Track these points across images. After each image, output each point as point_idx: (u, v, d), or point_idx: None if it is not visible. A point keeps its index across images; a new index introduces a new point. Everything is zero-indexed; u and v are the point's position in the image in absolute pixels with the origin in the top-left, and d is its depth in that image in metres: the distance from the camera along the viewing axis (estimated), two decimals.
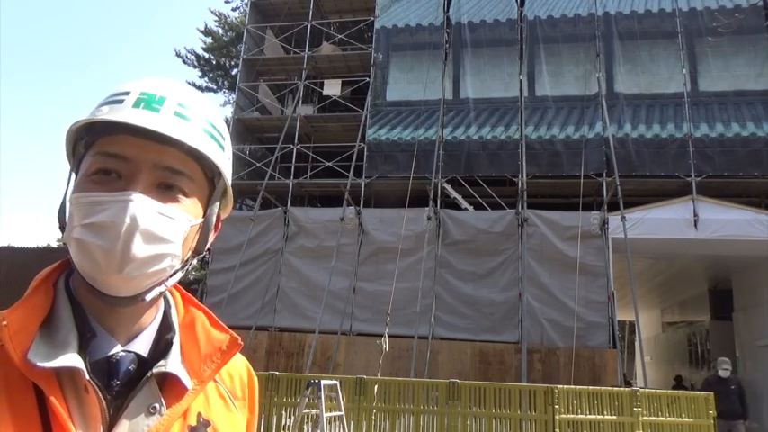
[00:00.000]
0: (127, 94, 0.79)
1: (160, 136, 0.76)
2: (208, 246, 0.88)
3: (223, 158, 0.84)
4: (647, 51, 13.44)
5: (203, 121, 0.82)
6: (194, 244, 0.84)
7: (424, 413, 7.92)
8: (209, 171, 0.84)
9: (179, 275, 0.82)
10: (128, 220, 0.72)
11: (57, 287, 0.80)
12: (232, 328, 0.89)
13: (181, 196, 0.79)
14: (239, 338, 0.88)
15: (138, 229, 0.73)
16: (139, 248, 0.73)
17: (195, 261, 0.86)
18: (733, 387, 9.19)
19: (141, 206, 0.73)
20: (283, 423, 8.13)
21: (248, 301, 13.30)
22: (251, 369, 0.97)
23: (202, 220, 0.84)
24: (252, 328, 12.47)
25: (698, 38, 13.30)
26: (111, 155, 0.77)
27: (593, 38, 13.65)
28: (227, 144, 0.87)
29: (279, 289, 13.27)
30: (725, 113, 12.68)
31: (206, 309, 0.91)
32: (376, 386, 8.14)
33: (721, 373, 9.27)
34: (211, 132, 0.83)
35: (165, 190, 0.78)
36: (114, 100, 0.79)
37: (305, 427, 7.97)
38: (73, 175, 0.82)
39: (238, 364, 0.95)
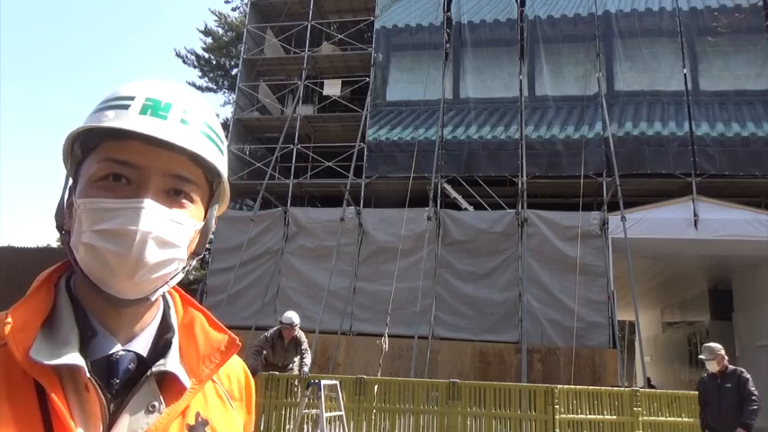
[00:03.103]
0: (132, 98, 0.80)
1: (170, 144, 0.77)
2: (205, 246, 0.89)
3: (223, 162, 0.86)
4: (648, 49, 13.44)
5: (204, 126, 0.84)
6: (195, 246, 0.85)
7: (424, 413, 7.92)
8: (211, 175, 0.85)
9: (180, 276, 0.84)
10: (142, 227, 0.74)
11: (58, 287, 0.81)
12: (232, 328, 0.89)
13: (186, 201, 0.81)
14: (237, 339, 0.89)
15: (150, 235, 0.74)
16: (152, 254, 0.75)
17: (194, 262, 0.88)
18: (729, 386, 6.26)
19: (153, 213, 0.75)
20: (283, 423, 8.13)
21: (248, 301, 13.30)
22: (248, 371, 0.99)
23: (204, 223, 0.86)
24: (252, 328, 12.46)
25: (698, 37, 13.31)
26: (120, 162, 0.78)
27: (593, 38, 13.66)
28: (224, 146, 0.89)
29: (279, 289, 13.27)
30: (725, 113, 12.68)
31: (205, 310, 0.92)
32: (376, 386, 8.14)
33: (708, 366, 6.44)
34: (211, 136, 0.84)
35: (174, 196, 0.80)
36: (119, 104, 0.79)
37: (305, 427, 7.98)
38: (70, 178, 0.83)
39: (236, 366, 0.96)
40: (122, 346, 0.79)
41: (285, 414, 8.15)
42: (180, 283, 0.89)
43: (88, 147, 0.80)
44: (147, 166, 0.78)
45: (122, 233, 0.74)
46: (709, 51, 13.12)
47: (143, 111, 0.78)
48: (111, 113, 0.78)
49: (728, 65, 13.06)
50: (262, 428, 7.97)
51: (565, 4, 14.20)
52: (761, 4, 12.96)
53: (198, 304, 0.92)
